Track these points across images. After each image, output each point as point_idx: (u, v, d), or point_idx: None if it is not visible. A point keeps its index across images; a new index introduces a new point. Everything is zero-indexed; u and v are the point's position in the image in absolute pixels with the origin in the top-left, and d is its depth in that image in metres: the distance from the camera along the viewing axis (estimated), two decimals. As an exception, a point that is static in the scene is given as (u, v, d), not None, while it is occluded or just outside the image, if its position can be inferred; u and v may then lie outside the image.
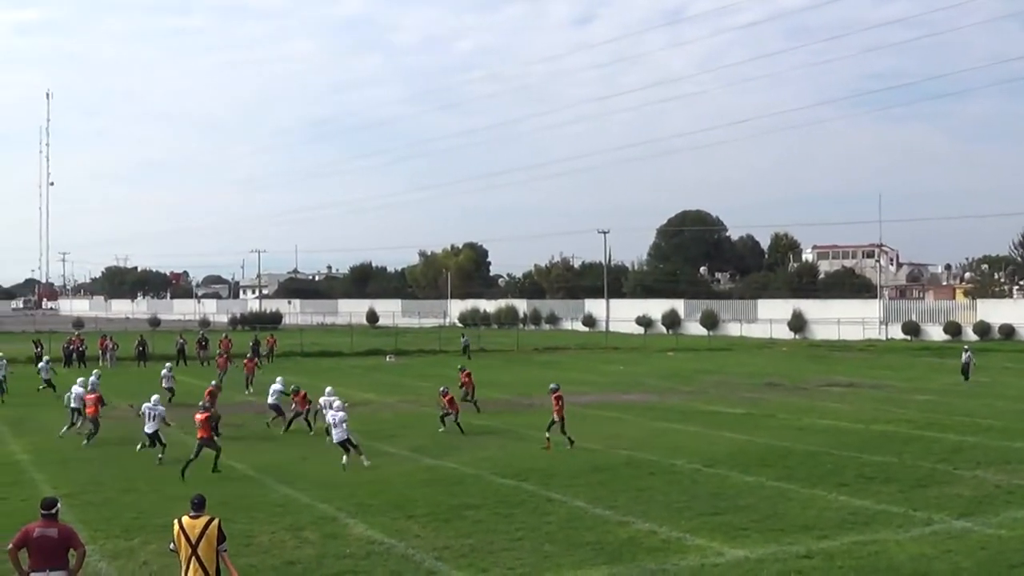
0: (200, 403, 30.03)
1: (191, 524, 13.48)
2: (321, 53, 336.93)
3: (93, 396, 33.31)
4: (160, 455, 28.78)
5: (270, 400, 35.40)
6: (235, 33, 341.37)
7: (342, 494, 23.51)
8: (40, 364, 47.70)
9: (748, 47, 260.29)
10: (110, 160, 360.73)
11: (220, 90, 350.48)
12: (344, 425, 27.94)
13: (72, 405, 34.14)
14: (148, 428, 29.58)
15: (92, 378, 37.81)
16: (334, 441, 28.18)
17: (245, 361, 51.08)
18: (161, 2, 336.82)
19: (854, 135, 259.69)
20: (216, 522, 13.56)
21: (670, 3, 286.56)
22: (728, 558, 18.07)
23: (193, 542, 13.35)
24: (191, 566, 13.31)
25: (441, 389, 36.53)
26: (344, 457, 27.63)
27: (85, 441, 31.77)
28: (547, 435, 30.68)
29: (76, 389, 34.51)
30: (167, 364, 45.57)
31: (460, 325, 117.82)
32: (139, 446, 30.07)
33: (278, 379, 36.82)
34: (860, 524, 20.38)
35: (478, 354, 75.13)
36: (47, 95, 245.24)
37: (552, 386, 31.94)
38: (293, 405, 34.91)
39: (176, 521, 13.57)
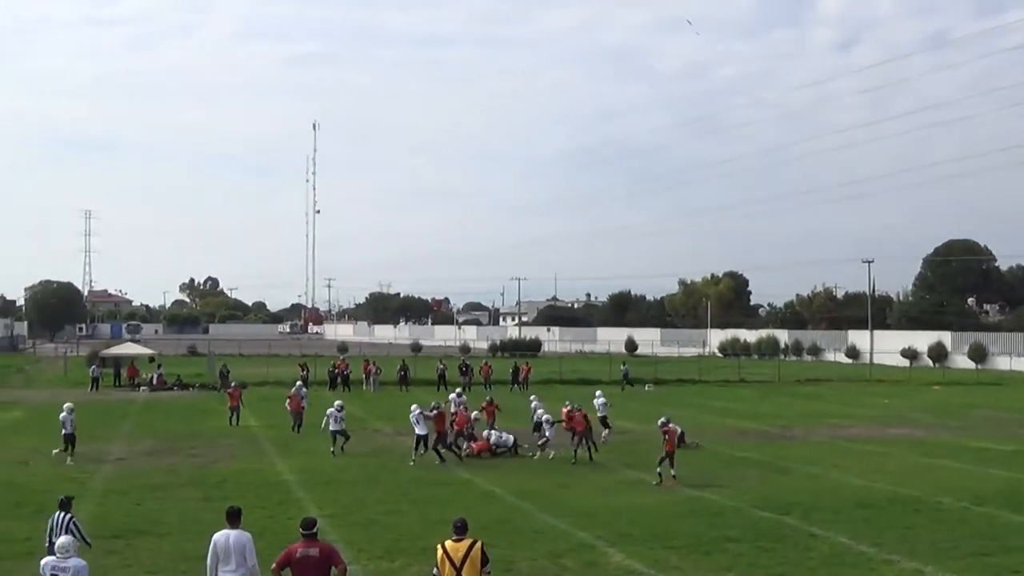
0: (571, 405, 36.06)
1: (454, 547, 13.68)
2: (584, 81, 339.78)
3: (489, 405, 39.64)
4: (421, 452, 33.53)
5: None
6: (498, 63, 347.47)
7: (601, 522, 23.61)
8: (452, 396, 43.55)
9: (1022, 69, 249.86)
10: (374, 188, 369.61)
11: (482, 119, 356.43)
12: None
13: (332, 428, 35.70)
14: (419, 431, 33.62)
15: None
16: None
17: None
18: (427, 33, 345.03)
19: None
20: (479, 544, 13.73)
21: (935, 26, 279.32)
22: (999, 602, 17.54)
23: (457, 565, 13.54)
24: None
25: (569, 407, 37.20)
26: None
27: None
28: (658, 470, 29.68)
29: (331, 411, 36.36)
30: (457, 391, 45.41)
31: (720, 355, 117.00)
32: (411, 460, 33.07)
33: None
34: None
35: (738, 385, 74.43)
36: (314, 126, 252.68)
37: (661, 420, 30.58)
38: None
39: (440, 545, 13.80)
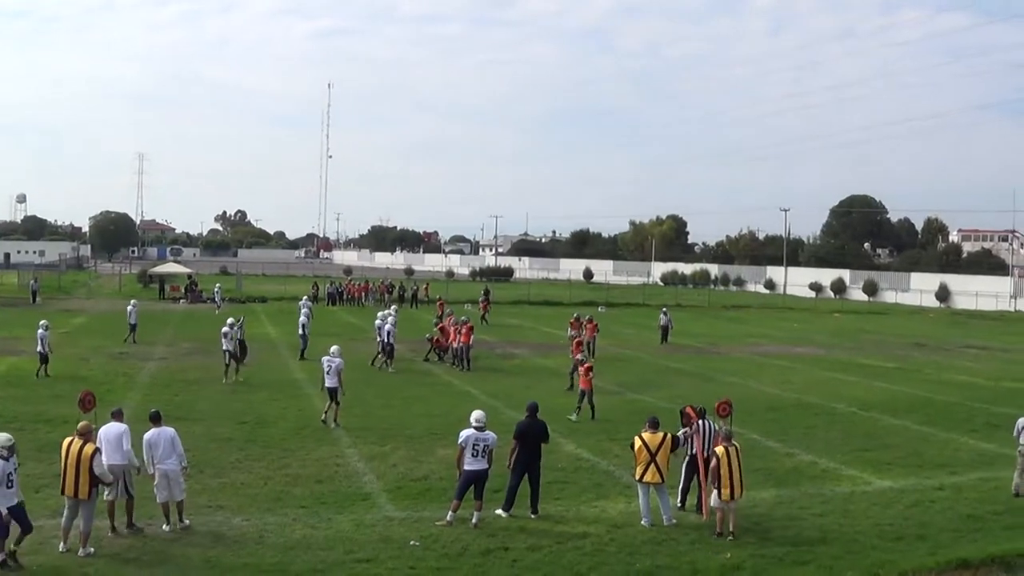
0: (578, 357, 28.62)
1: (651, 438, 15.06)
2: (558, 54, 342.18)
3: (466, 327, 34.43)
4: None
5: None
6: (489, 38, 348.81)
7: (558, 419, 23.37)
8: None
9: (922, 59, 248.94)
10: (381, 140, 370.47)
11: (476, 85, 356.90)
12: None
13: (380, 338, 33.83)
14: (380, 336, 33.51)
15: None
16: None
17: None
18: (429, 13, 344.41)
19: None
20: (670, 436, 15.34)
21: (844, 20, 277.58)
22: (875, 487, 17.89)
23: (652, 451, 14.92)
24: (648, 469, 14.93)
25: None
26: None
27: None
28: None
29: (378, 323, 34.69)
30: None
31: (662, 284, 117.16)
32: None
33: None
34: (985, 464, 19.96)
35: (675, 309, 74.47)
36: (328, 86, 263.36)
37: (579, 357, 27.93)
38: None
39: (637, 436, 15.17)
